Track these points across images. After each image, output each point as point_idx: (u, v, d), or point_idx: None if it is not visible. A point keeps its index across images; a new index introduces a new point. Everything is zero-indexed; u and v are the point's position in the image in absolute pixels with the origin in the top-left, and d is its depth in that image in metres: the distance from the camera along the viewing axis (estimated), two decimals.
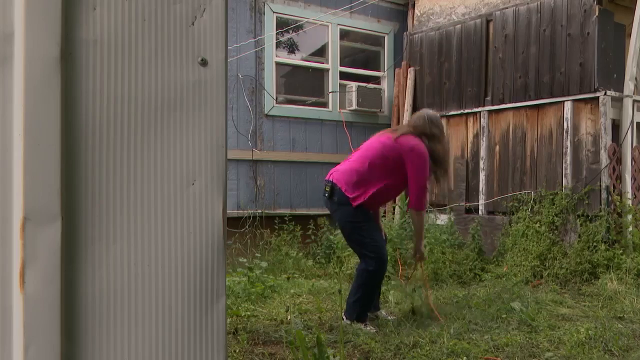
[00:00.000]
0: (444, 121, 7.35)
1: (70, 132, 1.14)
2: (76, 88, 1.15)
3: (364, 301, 3.97)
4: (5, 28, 1.07)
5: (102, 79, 1.17)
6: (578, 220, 5.88)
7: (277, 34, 7.31)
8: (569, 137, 6.06)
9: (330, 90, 7.73)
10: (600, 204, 5.75)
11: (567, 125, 6.07)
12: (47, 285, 1.09)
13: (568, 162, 6.05)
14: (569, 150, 6.06)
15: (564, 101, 6.12)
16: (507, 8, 6.74)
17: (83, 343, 1.16)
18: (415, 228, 4.14)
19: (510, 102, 6.65)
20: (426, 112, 4.17)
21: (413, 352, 3.37)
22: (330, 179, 4.01)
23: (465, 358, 3.24)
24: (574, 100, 6.04)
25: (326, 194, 4.01)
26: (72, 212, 1.14)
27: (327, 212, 7.22)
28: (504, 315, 4.17)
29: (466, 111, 7.11)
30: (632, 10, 6.04)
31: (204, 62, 1.26)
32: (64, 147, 1.12)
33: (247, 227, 6.81)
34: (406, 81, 7.81)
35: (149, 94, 1.21)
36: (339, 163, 4.20)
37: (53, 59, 1.10)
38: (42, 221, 1.09)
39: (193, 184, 1.25)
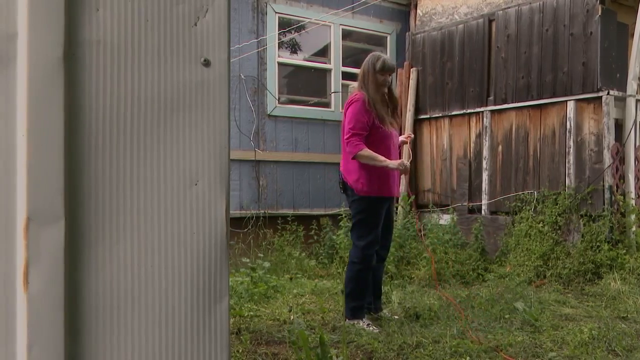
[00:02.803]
0: (446, 121, 7.38)
1: (73, 133, 1.14)
2: (79, 89, 1.15)
3: (354, 295, 4.01)
4: (8, 29, 1.07)
5: (105, 79, 1.17)
6: (581, 220, 5.87)
7: (279, 34, 7.31)
8: (571, 136, 6.05)
9: (332, 91, 7.73)
10: (604, 204, 5.74)
11: (570, 125, 6.06)
12: (50, 286, 1.09)
13: (571, 161, 6.04)
14: (571, 150, 6.05)
15: (566, 101, 6.10)
16: (509, 8, 6.73)
17: (86, 343, 1.16)
18: (371, 164, 3.92)
19: (512, 102, 6.63)
20: (369, 57, 4.11)
21: (416, 352, 3.37)
22: (341, 175, 4.14)
23: (468, 358, 3.24)
24: (577, 100, 6.02)
25: (341, 190, 4.17)
26: (75, 212, 1.14)
27: (330, 212, 7.28)
28: (507, 316, 4.17)
29: (469, 111, 7.10)
30: (635, 10, 6.02)
31: (206, 63, 1.26)
32: (67, 147, 1.12)
33: (249, 227, 6.82)
34: (408, 81, 7.80)
35: (152, 94, 1.21)
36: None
37: (56, 60, 1.10)
38: (46, 221, 1.10)
39: (196, 185, 1.25)
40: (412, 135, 4.51)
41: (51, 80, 1.10)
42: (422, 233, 6.78)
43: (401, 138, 4.43)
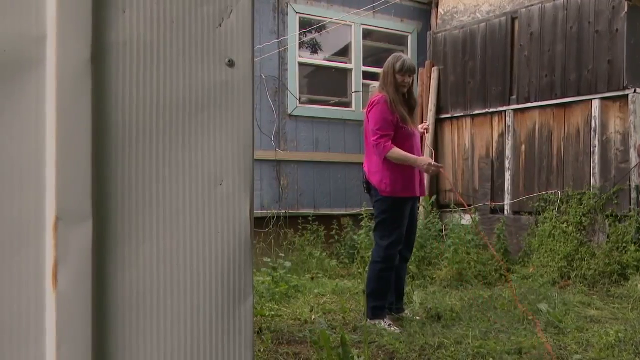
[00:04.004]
0: (468, 120, 7.32)
1: (100, 134, 1.16)
2: (106, 90, 1.16)
3: (376, 295, 4.00)
4: (38, 31, 1.09)
5: (131, 80, 1.19)
6: (607, 220, 5.78)
7: (300, 34, 7.32)
8: (597, 136, 5.95)
9: (353, 91, 7.72)
10: (630, 204, 5.64)
11: (595, 123, 5.97)
12: (79, 284, 1.11)
13: (596, 161, 5.95)
14: (597, 149, 5.95)
15: (591, 99, 6.01)
16: (532, 5, 6.65)
17: (113, 341, 1.17)
18: (402, 163, 3.93)
19: (536, 101, 6.56)
20: (390, 58, 4.10)
21: (438, 353, 3.35)
22: (364, 175, 4.16)
23: (491, 359, 3.21)
24: (602, 99, 5.93)
25: (365, 190, 4.19)
26: (103, 212, 1.16)
27: (351, 212, 7.27)
28: (530, 317, 4.12)
29: (491, 110, 7.04)
30: None
31: (231, 63, 1.27)
32: (94, 148, 1.14)
33: (271, 227, 6.84)
34: (430, 81, 7.76)
35: (177, 95, 1.22)
36: (362, 163, 4.25)
37: (84, 61, 1.12)
38: (74, 221, 1.11)
39: (221, 184, 1.26)
40: (427, 125, 4.48)
41: (79, 81, 1.11)
42: (444, 233, 6.74)
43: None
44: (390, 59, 4.08)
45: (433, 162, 3.92)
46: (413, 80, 4.11)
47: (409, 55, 8.11)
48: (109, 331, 1.16)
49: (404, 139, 3.97)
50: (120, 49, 1.17)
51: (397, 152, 3.88)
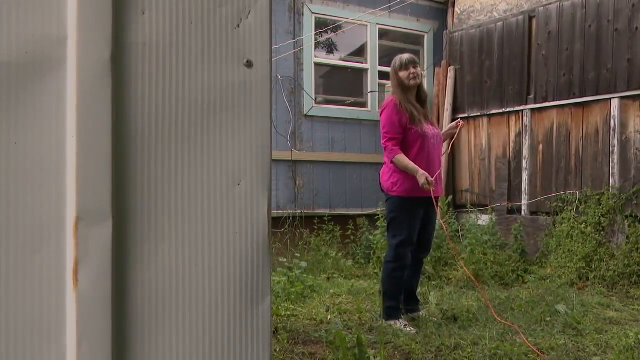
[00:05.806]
0: (485, 120, 7.26)
1: (120, 134, 1.17)
2: (126, 90, 1.17)
3: (389, 295, 4.01)
4: (59, 32, 1.10)
5: (150, 80, 1.20)
6: (626, 221, 5.70)
7: (315, 34, 7.32)
8: (616, 135, 5.88)
9: (369, 90, 7.70)
10: None
11: (614, 123, 5.89)
12: (99, 283, 1.12)
13: (615, 161, 5.88)
14: (616, 149, 5.88)
15: (610, 98, 5.94)
16: (550, 4, 6.58)
17: (132, 339, 1.18)
18: (404, 170, 3.93)
19: (553, 100, 6.49)
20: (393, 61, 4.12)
21: (454, 354, 3.33)
22: (379, 175, 4.21)
23: None
24: (622, 98, 5.85)
25: (381, 189, 4.20)
26: (122, 212, 1.17)
27: (366, 212, 7.25)
28: (548, 318, 4.08)
29: (508, 110, 6.98)
30: None
31: (249, 64, 1.27)
32: (114, 147, 1.15)
33: (286, 227, 6.85)
34: (446, 80, 7.72)
35: (196, 95, 1.23)
36: (377, 163, 4.26)
37: (104, 62, 1.13)
38: (94, 221, 1.12)
39: (239, 185, 1.27)
40: (461, 122, 4.44)
41: (99, 82, 1.12)
42: (461, 234, 6.70)
43: (448, 128, 4.44)
44: (396, 63, 4.08)
45: (429, 179, 3.83)
46: (420, 73, 4.08)
47: (425, 55, 8.08)
48: (128, 329, 1.17)
49: (414, 140, 3.96)
50: (140, 50, 1.18)
51: (401, 158, 3.90)
